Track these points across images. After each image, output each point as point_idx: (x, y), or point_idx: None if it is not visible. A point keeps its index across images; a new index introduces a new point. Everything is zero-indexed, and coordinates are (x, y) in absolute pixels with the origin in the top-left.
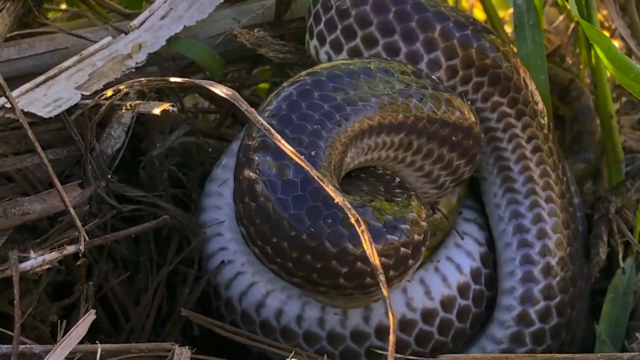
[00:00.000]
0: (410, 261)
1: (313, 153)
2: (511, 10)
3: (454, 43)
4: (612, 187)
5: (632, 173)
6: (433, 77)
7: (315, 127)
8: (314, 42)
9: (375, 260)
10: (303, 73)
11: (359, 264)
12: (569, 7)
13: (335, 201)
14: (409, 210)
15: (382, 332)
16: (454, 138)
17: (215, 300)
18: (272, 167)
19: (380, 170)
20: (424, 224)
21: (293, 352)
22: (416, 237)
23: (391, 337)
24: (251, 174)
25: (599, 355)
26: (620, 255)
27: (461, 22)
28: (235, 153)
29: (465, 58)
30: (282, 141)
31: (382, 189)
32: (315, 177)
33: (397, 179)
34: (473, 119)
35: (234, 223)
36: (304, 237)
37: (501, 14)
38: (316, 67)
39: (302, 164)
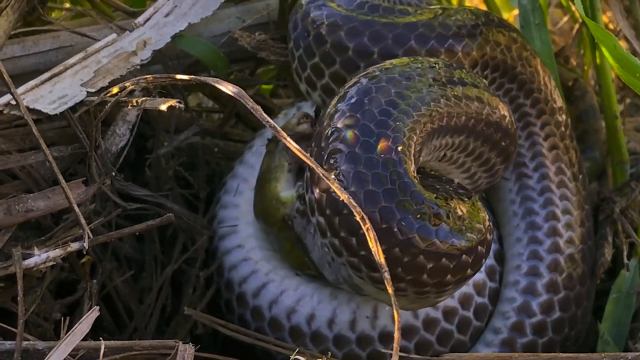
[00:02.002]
0: (483, 259)
1: (400, 148)
2: (515, 11)
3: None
4: (616, 188)
5: (636, 174)
6: (484, 80)
7: (398, 123)
8: (304, 85)
9: (380, 258)
10: (374, 68)
11: (443, 259)
12: (573, 8)
13: (341, 197)
14: (479, 211)
15: (408, 331)
16: (503, 143)
17: (239, 308)
18: (361, 159)
19: (433, 172)
20: (490, 224)
21: (297, 350)
22: (488, 236)
23: (396, 335)
24: (335, 163)
25: (603, 354)
26: (625, 255)
27: (424, 36)
28: (249, 164)
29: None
30: (289, 139)
31: (451, 190)
32: (324, 177)
33: (456, 181)
34: (513, 120)
35: (255, 231)
36: (395, 230)
37: (505, 15)
38: (386, 63)
39: (309, 161)
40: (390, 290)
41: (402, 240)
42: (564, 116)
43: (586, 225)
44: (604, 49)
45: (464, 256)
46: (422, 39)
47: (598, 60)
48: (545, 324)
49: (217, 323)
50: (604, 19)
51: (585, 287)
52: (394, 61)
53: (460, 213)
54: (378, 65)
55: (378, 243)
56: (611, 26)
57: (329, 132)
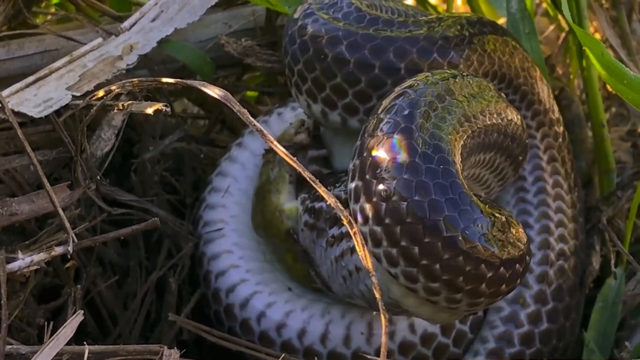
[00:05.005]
0: (528, 268)
1: (456, 160)
2: (502, 20)
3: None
4: (603, 197)
5: (622, 183)
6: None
7: (449, 137)
8: (304, 97)
9: (367, 263)
10: (417, 81)
11: (502, 269)
12: (560, 16)
13: (327, 202)
14: (517, 223)
15: (405, 347)
16: (520, 157)
17: (227, 320)
18: (422, 169)
19: None
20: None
21: (283, 355)
22: (530, 246)
23: (383, 339)
24: (395, 173)
25: None
26: (613, 263)
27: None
28: (236, 159)
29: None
30: (277, 145)
31: (489, 202)
32: (323, 193)
33: (482, 194)
34: (525, 130)
35: (243, 239)
36: (459, 239)
37: None
38: (430, 77)
39: (299, 169)
40: (377, 294)
41: (465, 250)
42: (561, 128)
43: (580, 237)
44: (591, 56)
45: (517, 265)
46: (424, 51)
47: (585, 69)
48: (533, 334)
49: (202, 329)
50: (590, 29)
51: (575, 299)
52: (430, 74)
53: (507, 224)
54: (418, 78)
55: (439, 251)
56: (597, 35)
57: (383, 143)
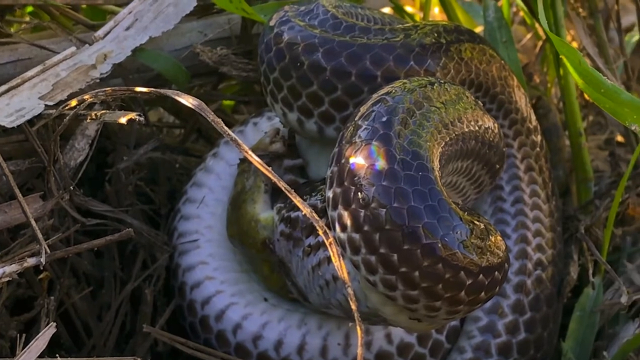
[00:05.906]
0: (506, 275)
1: (435, 167)
2: (479, 28)
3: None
4: (581, 206)
5: (600, 192)
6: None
7: (428, 144)
8: (279, 105)
9: (344, 273)
10: (395, 88)
11: (481, 276)
12: (537, 25)
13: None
14: (495, 230)
15: (382, 357)
16: (497, 166)
17: (203, 332)
18: (401, 176)
19: None
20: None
21: None
22: (508, 253)
23: (359, 350)
24: (374, 180)
25: None
26: (591, 273)
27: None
28: (212, 170)
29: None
30: (252, 154)
31: (467, 210)
32: (282, 187)
33: (459, 201)
34: (502, 138)
35: (219, 250)
36: (439, 246)
37: None
38: (408, 84)
39: (274, 179)
40: (353, 305)
41: (444, 257)
42: (538, 136)
43: (557, 247)
44: (568, 65)
45: (496, 272)
46: (400, 59)
47: (562, 77)
48: (511, 345)
49: (177, 341)
50: (568, 37)
51: (553, 309)
52: (408, 81)
53: (486, 231)
54: (396, 85)
55: (418, 259)
56: (575, 44)
57: (361, 150)
